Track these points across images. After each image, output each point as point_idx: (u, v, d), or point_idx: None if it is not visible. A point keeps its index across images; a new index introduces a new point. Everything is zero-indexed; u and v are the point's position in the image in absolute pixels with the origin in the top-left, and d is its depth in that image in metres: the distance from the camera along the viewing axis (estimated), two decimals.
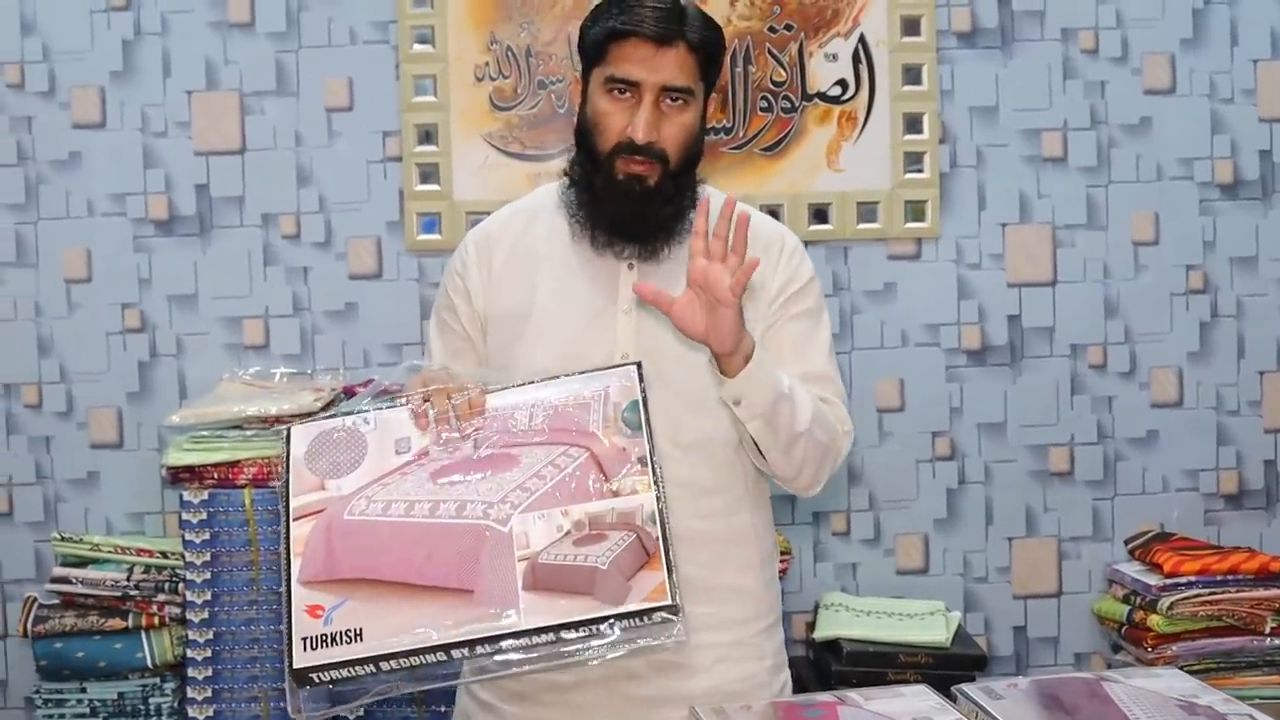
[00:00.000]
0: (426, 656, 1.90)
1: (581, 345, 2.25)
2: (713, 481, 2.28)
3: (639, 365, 2.12)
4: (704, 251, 2.08)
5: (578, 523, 1.99)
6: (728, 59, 3.56)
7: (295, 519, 2.03)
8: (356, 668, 1.89)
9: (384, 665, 1.89)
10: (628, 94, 2.20)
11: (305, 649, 1.90)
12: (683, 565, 2.19)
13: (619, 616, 1.92)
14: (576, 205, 2.28)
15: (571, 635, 1.91)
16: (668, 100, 2.20)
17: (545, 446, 2.06)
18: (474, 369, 2.30)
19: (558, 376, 2.14)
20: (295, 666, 1.89)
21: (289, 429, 2.12)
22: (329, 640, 1.90)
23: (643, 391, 2.09)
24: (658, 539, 1.98)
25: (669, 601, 1.93)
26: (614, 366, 2.14)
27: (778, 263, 2.33)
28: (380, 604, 1.93)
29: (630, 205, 2.22)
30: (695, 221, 2.27)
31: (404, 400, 2.12)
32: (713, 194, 2.36)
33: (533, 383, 2.14)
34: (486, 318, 2.34)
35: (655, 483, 2.02)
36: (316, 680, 1.90)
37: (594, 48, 2.23)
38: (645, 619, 1.92)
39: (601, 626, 1.92)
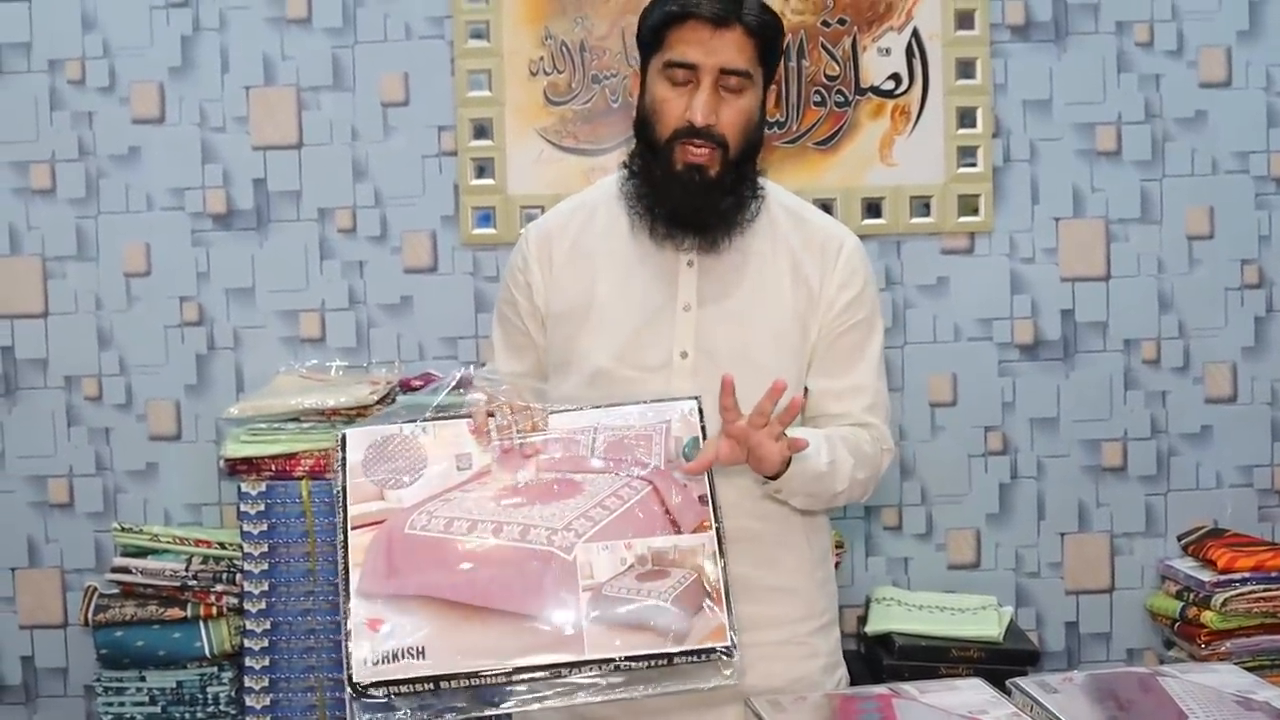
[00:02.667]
0: (487, 680, 1.90)
1: (640, 342, 2.25)
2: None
3: (699, 401, 2.12)
4: (743, 420, 2.06)
5: (641, 557, 1.99)
6: (785, 45, 3.58)
7: (354, 528, 2.01)
8: (416, 685, 1.89)
9: (444, 685, 1.89)
10: (686, 79, 2.20)
11: (366, 664, 1.90)
12: (737, 564, 2.21)
13: (679, 655, 1.93)
14: (636, 197, 2.28)
15: (631, 668, 1.91)
16: (726, 84, 2.20)
17: (608, 475, 2.06)
18: (536, 387, 2.30)
19: (619, 404, 2.14)
20: (355, 680, 1.89)
21: (344, 434, 2.11)
22: (390, 656, 1.90)
23: (703, 429, 2.09)
24: (718, 579, 1.98)
25: (727, 643, 1.93)
26: (675, 399, 2.14)
27: (834, 267, 2.32)
28: (442, 623, 1.92)
29: (690, 196, 2.21)
30: (759, 221, 2.28)
31: (465, 414, 2.12)
32: (771, 189, 2.36)
33: (595, 408, 2.13)
34: (547, 313, 2.34)
35: (715, 520, 2.03)
36: (375, 695, 1.89)
37: (651, 35, 2.24)
38: (702, 658, 1.93)
39: (659, 662, 1.92)
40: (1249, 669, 2.56)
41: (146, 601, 3.34)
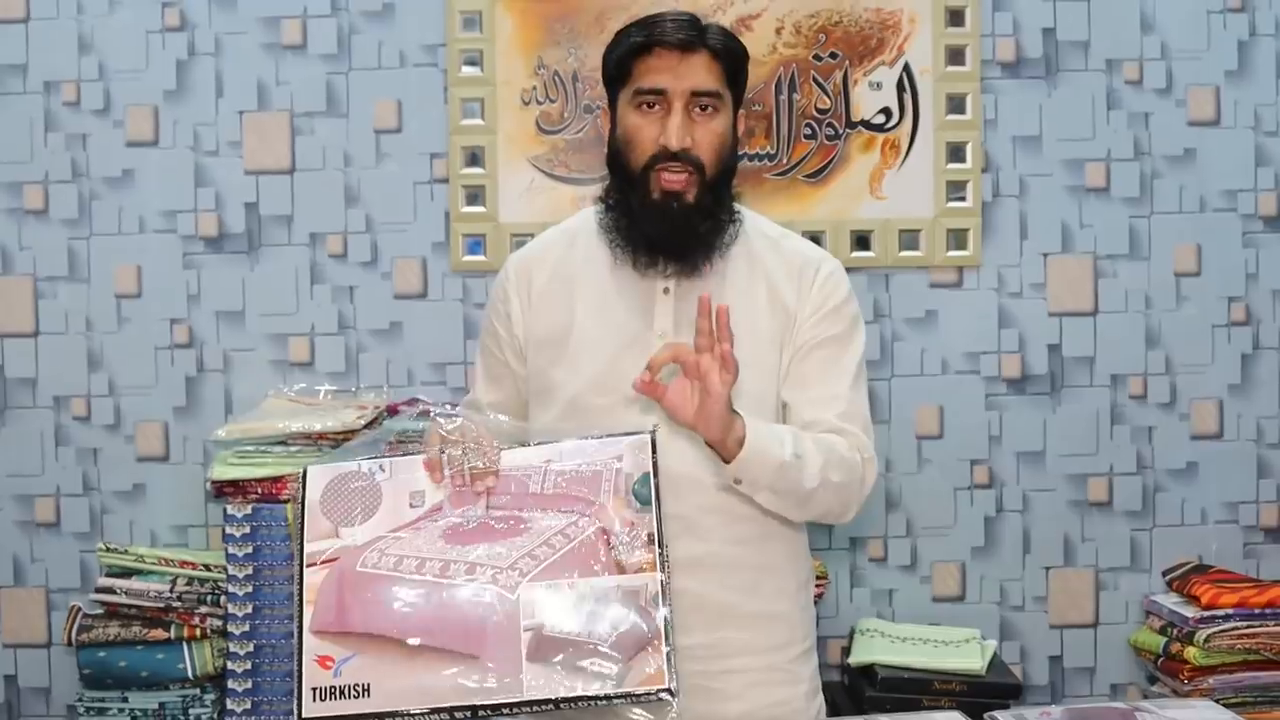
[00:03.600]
0: (430, 718, 1.97)
1: (618, 370, 2.25)
2: (744, 508, 2.27)
3: (654, 434, 2.13)
4: (705, 347, 2.07)
5: (582, 597, 2.02)
6: (773, 87, 3.62)
7: (309, 565, 2.08)
8: None
9: None
10: (656, 106, 2.23)
11: (315, 699, 1.98)
12: (717, 591, 2.22)
13: (618, 697, 1.97)
14: (614, 229, 2.30)
15: (570, 710, 1.97)
16: (697, 107, 2.23)
17: (556, 514, 2.09)
18: (492, 420, 2.31)
19: (573, 439, 2.15)
20: (304, 716, 1.98)
21: (305, 469, 2.16)
22: (337, 693, 1.98)
23: (654, 463, 2.10)
24: (659, 621, 2.00)
25: (665, 686, 1.97)
26: (629, 433, 2.14)
27: (810, 289, 2.33)
28: (388, 661, 1.99)
29: (669, 222, 2.23)
30: (736, 247, 2.30)
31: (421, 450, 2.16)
32: (750, 217, 2.38)
33: (547, 444, 2.16)
34: (526, 342, 2.35)
35: (661, 562, 2.05)
36: None
37: (618, 68, 2.27)
38: (642, 701, 1.97)
39: (598, 704, 1.97)
40: (1232, 706, 2.58)
41: (130, 622, 3.33)
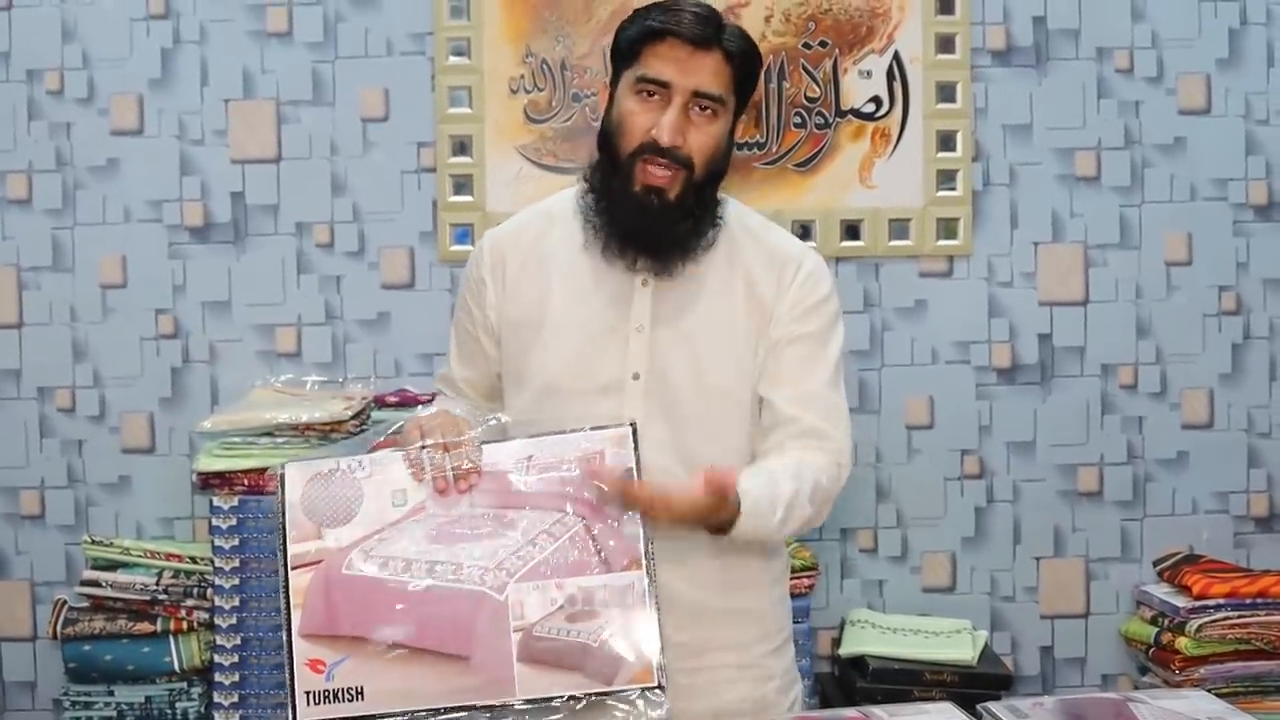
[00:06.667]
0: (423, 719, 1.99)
1: (593, 360, 2.22)
2: None
3: (634, 427, 2.11)
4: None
5: (571, 597, 2.03)
6: (762, 74, 3.59)
7: (294, 569, 2.08)
8: None
9: None
10: (656, 95, 2.16)
11: (309, 703, 2.00)
12: (690, 589, 2.21)
13: (609, 695, 1.99)
14: (594, 212, 2.25)
15: (561, 709, 1.99)
16: (698, 107, 2.17)
17: (540, 512, 2.08)
18: (471, 410, 2.28)
19: (552, 433, 2.13)
20: None
21: (283, 468, 2.14)
22: (331, 696, 2.00)
23: (637, 457, 2.09)
24: (648, 618, 2.02)
25: (654, 683, 1.99)
26: (610, 427, 2.12)
27: (790, 285, 2.27)
28: (379, 663, 2.01)
29: (646, 218, 2.18)
30: (718, 242, 2.26)
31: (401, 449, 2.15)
32: (734, 210, 2.32)
33: (528, 438, 2.14)
34: (500, 325, 2.31)
35: (646, 557, 2.05)
36: None
37: (628, 47, 2.20)
38: (633, 697, 1.99)
39: (590, 701, 1.99)
40: (1223, 695, 2.56)
41: (116, 615, 3.31)
